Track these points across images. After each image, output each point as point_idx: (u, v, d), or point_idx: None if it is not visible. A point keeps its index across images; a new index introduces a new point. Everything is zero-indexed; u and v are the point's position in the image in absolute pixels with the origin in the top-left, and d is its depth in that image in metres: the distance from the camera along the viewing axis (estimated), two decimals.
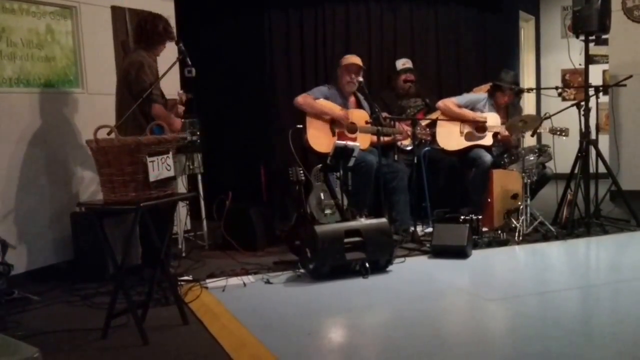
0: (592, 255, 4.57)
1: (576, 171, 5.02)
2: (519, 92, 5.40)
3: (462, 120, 5.16)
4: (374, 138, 4.83)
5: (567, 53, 5.21)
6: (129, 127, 3.60)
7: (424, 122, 5.24)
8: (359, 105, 5.08)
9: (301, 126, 4.81)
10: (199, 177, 4.89)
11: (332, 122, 4.88)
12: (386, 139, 4.90)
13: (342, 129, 4.86)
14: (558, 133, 4.93)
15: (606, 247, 4.61)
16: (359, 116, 4.95)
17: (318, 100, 4.86)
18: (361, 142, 4.85)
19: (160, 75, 3.83)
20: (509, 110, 5.29)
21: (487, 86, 5.41)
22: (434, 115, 5.31)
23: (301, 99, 4.83)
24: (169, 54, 4.21)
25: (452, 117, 5.19)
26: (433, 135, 5.24)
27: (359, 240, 3.82)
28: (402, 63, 5.62)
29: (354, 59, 5.01)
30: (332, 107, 4.87)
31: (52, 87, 4.22)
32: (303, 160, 4.81)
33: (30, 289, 3.76)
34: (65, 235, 4.18)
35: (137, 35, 3.95)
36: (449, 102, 5.23)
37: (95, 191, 4.33)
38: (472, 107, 5.25)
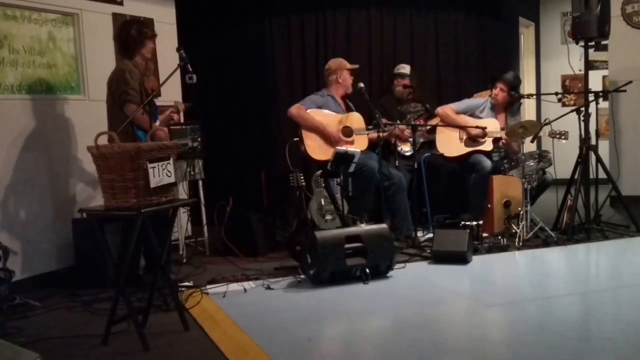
0: (592, 260, 4.57)
1: (576, 177, 5.03)
2: (518, 98, 5.41)
3: (461, 127, 5.17)
4: (373, 136, 4.83)
5: (567, 59, 5.22)
6: (119, 135, 3.62)
7: (420, 124, 5.27)
8: (349, 109, 5.09)
9: (297, 139, 4.82)
10: (200, 183, 4.90)
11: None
12: (383, 134, 4.89)
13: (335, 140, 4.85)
14: (558, 136, 4.93)
15: (606, 252, 4.61)
16: (356, 119, 4.95)
17: (311, 110, 4.85)
18: (358, 143, 4.86)
19: (161, 81, 3.85)
20: (508, 120, 5.30)
21: (487, 92, 5.43)
22: (434, 121, 5.32)
23: (294, 111, 4.83)
24: (170, 60, 4.24)
25: (451, 124, 5.19)
26: (433, 140, 5.27)
27: (360, 245, 3.83)
28: (397, 68, 5.65)
29: (351, 64, 5.05)
30: (323, 121, 4.84)
31: (53, 93, 4.25)
32: (303, 167, 4.82)
33: (31, 295, 3.77)
34: (67, 241, 4.19)
35: (117, 47, 3.98)
36: (448, 109, 5.24)
37: (96, 197, 4.34)
38: (471, 113, 5.26)
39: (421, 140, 5.33)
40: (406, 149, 5.36)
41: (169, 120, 4.16)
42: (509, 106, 5.35)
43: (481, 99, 5.40)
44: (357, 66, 5.11)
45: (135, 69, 3.88)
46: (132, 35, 3.88)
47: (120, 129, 3.53)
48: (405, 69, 5.61)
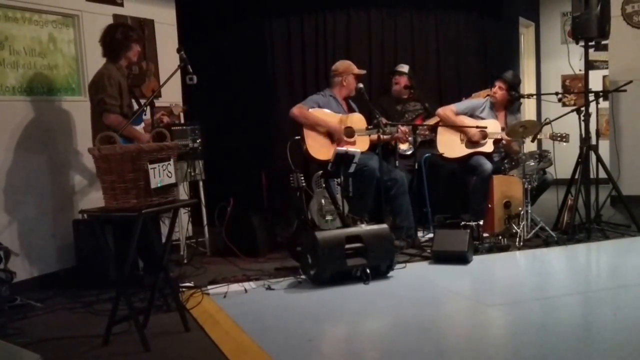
0: (592, 260, 4.58)
1: (577, 176, 5.03)
2: (518, 98, 5.41)
3: (462, 129, 5.17)
4: (374, 137, 4.86)
5: (567, 59, 5.23)
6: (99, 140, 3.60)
7: (420, 124, 5.27)
8: (351, 110, 5.11)
9: (299, 137, 4.84)
10: (201, 183, 4.90)
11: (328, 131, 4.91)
12: (385, 137, 4.91)
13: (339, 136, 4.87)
14: (558, 139, 4.93)
15: (607, 252, 4.61)
16: (357, 120, 4.97)
17: (312, 110, 4.87)
18: (360, 144, 4.88)
19: (161, 82, 3.85)
20: (507, 119, 5.30)
21: (486, 91, 5.44)
22: (432, 121, 5.32)
23: (296, 111, 4.84)
24: (170, 61, 4.24)
25: (451, 125, 5.20)
26: (432, 140, 5.27)
27: (360, 246, 3.83)
28: (396, 67, 5.66)
29: (360, 69, 5.08)
30: (326, 118, 4.87)
31: (54, 95, 4.25)
32: (304, 168, 4.83)
33: (32, 296, 3.77)
34: (68, 242, 4.19)
35: (102, 50, 3.96)
36: (448, 110, 5.24)
37: (97, 198, 4.34)
38: (471, 114, 5.26)
39: (420, 139, 5.32)
40: (404, 147, 5.36)
41: (159, 122, 4.13)
42: (509, 105, 5.36)
43: (481, 100, 5.40)
44: (364, 72, 5.13)
45: (118, 72, 3.88)
46: (117, 38, 3.88)
47: (100, 135, 3.52)
48: (404, 67, 5.63)
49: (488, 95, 5.34)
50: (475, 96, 5.53)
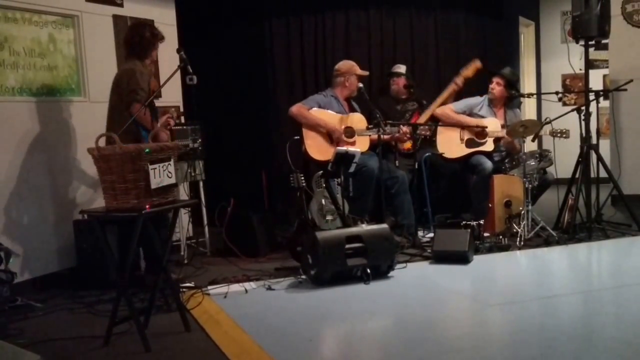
0: (593, 260, 4.57)
1: (577, 176, 5.03)
2: (518, 97, 5.41)
3: (462, 126, 5.17)
4: (374, 137, 4.86)
5: (567, 58, 5.22)
6: (121, 134, 3.62)
7: (421, 124, 5.26)
8: (352, 110, 5.11)
9: (298, 137, 4.83)
10: (201, 184, 4.90)
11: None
12: (385, 137, 4.91)
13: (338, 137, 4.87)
14: (558, 135, 4.93)
15: (608, 251, 4.61)
16: (357, 120, 4.97)
17: (312, 110, 4.87)
18: (360, 144, 4.88)
19: (162, 82, 3.86)
20: (507, 115, 5.29)
21: (475, 64, 5.32)
22: (425, 116, 5.30)
23: (295, 110, 4.85)
24: (171, 61, 4.23)
25: (451, 123, 5.19)
26: (432, 140, 5.27)
27: (360, 246, 3.83)
28: (393, 68, 5.68)
29: (363, 70, 5.09)
30: (325, 118, 4.88)
31: (54, 95, 4.25)
32: (304, 168, 4.83)
33: (33, 296, 3.78)
34: (68, 242, 4.20)
35: (128, 48, 3.97)
36: (447, 109, 5.25)
37: (97, 198, 4.35)
38: (470, 112, 5.26)
39: (422, 135, 5.30)
40: (407, 146, 5.36)
41: (166, 125, 4.15)
42: (507, 101, 5.35)
43: (479, 97, 5.40)
44: (367, 73, 5.14)
45: (145, 70, 3.89)
46: (146, 37, 3.90)
47: (124, 128, 3.52)
48: (401, 68, 5.63)
49: (499, 94, 5.29)
50: (463, 70, 5.35)
